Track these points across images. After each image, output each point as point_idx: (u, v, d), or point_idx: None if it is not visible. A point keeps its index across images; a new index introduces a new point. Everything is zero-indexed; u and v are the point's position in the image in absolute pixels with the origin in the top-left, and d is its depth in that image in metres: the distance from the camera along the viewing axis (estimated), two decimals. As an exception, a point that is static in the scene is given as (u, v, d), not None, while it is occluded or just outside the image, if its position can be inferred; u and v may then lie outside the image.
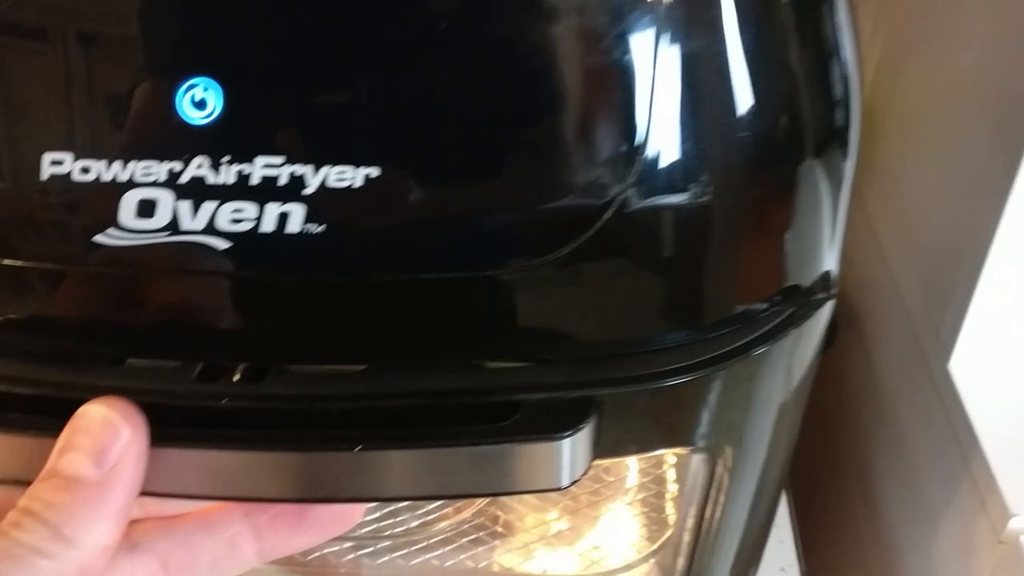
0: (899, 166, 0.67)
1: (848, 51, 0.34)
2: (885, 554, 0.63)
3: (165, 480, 0.29)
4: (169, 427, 0.29)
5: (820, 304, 0.37)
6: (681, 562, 0.42)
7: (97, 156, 0.29)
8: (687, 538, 0.41)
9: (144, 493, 0.28)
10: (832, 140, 0.35)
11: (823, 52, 0.34)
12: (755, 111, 0.32)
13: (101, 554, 0.26)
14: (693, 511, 0.39)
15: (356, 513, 0.32)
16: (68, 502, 0.26)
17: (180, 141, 0.29)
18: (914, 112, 0.66)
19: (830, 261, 0.37)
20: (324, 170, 0.29)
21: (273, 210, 0.29)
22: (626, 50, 0.29)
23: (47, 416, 0.28)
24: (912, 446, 0.62)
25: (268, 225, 0.29)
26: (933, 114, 0.64)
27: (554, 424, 0.31)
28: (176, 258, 0.30)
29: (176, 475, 0.29)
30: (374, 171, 0.29)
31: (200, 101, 0.28)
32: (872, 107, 0.70)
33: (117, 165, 0.29)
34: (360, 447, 0.29)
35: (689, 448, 0.37)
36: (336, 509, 0.31)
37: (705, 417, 0.36)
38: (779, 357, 0.37)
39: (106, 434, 0.27)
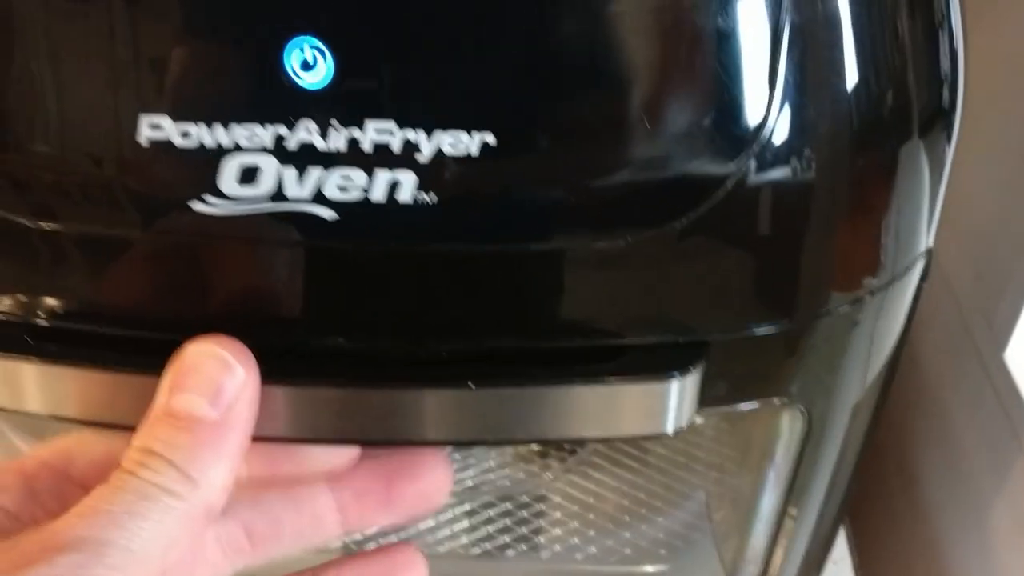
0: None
1: (958, 26, 0.33)
2: (933, 546, 0.62)
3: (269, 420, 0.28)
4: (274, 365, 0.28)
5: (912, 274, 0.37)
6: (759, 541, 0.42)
7: (197, 119, 0.27)
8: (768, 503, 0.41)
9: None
10: (937, 120, 0.34)
11: (934, 28, 0.33)
12: (871, 86, 0.31)
13: (222, 495, 0.26)
14: (778, 474, 0.39)
15: (442, 494, 0.31)
16: (191, 443, 0.26)
17: (287, 104, 0.27)
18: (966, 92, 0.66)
19: (927, 238, 0.36)
20: (438, 136, 0.27)
21: (384, 178, 0.28)
22: (751, 20, 0.28)
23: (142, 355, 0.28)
24: (960, 436, 0.61)
25: (378, 194, 0.28)
26: (986, 95, 0.63)
27: (662, 366, 0.31)
28: (280, 227, 0.28)
29: (283, 415, 0.28)
30: (490, 138, 0.27)
31: (308, 62, 0.27)
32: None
33: (219, 129, 0.27)
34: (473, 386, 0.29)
35: (784, 399, 0.36)
36: (424, 488, 0.31)
37: (800, 370, 0.36)
38: (868, 316, 0.36)
39: (221, 373, 0.26)
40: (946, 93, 0.34)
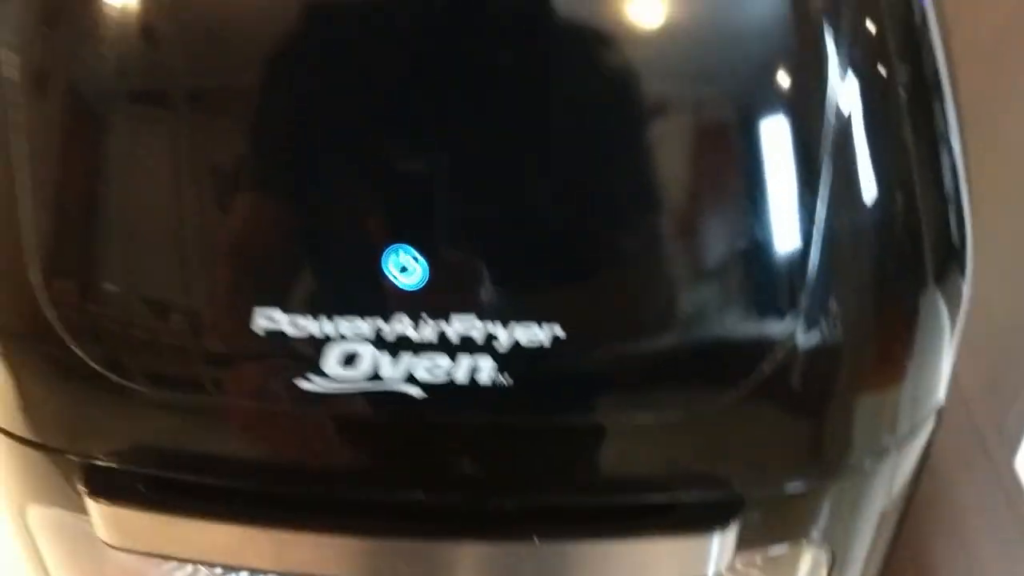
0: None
1: (962, 170, 0.37)
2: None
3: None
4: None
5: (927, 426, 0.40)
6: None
7: (306, 312, 0.32)
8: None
9: None
10: (951, 261, 0.38)
11: (941, 179, 0.37)
12: (888, 246, 0.35)
13: None
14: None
15: None
16: None
17: (385, 301, 0.31)
18: (976, 206, 0.69)
19: (942, 392, 0.40)
20: (514, 328, 0.32)
21: (466, 363, 0.32)
22: (784, 228, 0.32)
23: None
24: (973, 538, 0.64)
25: (461, 377, 0.32)
26: (993, 206, 0.67)
27: (706, 520, 0.35)
28: (373, 403, 0.32)
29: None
30: (559, 331, 0.32)
31: (405, 267, 0.31)
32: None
33: (324, 320, 0.32)
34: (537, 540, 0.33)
35: (812, 541, 0.40)
36: None
37: (827, 516, 0.39)
38: (885, 469, 0.39)
39: None
40: (956, 233, 0.37)
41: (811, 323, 0.33)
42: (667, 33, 0.31)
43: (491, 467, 0.34)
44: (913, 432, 0.39)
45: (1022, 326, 0.60)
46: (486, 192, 0.32)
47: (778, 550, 0.39)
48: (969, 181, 0.39)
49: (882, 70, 0.34)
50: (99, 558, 0.41)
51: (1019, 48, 0.62)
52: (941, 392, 0.40)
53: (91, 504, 0.35)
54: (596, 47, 0.31)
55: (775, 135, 0.32)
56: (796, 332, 0.33)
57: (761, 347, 0.32)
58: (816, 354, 0.34)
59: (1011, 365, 0.61)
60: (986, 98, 0.66)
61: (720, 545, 0.35)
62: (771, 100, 0.31)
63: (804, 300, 0.32)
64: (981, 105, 0.68)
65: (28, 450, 0.37)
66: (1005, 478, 0.60)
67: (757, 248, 0.32)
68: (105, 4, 0.31)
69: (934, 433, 0.41)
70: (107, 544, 0.36)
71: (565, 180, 0.31)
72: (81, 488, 0.35)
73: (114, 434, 0.35)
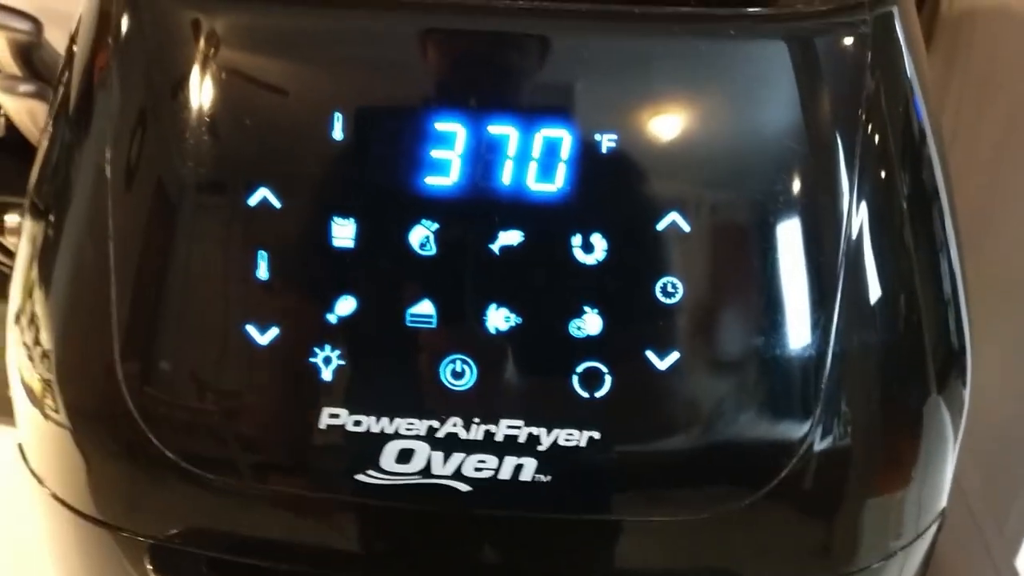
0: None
1: (961, 283, 0.40)
2: None
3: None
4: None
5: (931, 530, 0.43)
6: None
7: (368, 412, 0.35)
8: None
9: None
10: (953, 370, 0.41)
11: (942, 294, 0.40)
12: (894, 360, 0.38)
13: None
14: None
15: None
16: None
17: (439, 403, 0.35)
18: (977, 311, 0.73)
19: (945, 497, 0.43)
20: (555, 432, 0.35)
21: (511, 462, 0.35)
22: (801, 338, 0.36)
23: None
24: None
25: (505, 474, 0.35)
26: (992, 313, 0.70)
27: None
28: (424, 496, 0.35)
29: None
30: (596, 434, 0.35)
31: (458, 372, 0.35)
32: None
33: (384, 420, 0.35)
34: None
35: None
36: None
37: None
38: (891, 572, 0.42)
39: None
40: (956, 342, 0.41)
41: (826, 431, 0.36)
42: (699, 176, 0.35)
43: (527, 559, 0.37)
44: (919, 536, 0.42)
45: (1020, 425, 0.63)
46: (534, 309, 0.35)
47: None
48: (967, 287, 0.42)
49: (888, 182, 0.37)
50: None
51: (1015, 160, 0.67)
52: (944, 496, 0.43)
53: (157, 583, 0.38)
54: (626, 164, 0.34)
55: (797, 252, 0.35)
56: (813, 439, 0.36)
57: (780, 454, 0.36)
58: (829, 460, 0.37)
59: (1010, 463, 0.63)
60: (985, 207, 0.71)
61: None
62: (793, 234, 0.35)
63: (820, 409, 0.36)
64: (980, 214, 0.72)
65: (96, 529, 0.40)
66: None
67: (777, 359, 0.35)
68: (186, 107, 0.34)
69: (937, 534, 0.44)
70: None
71: (597, 299, 0.35)
72: (148, 567, 0.38)
73: (181, 517, 0.38)
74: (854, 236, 0.36)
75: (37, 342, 0.38)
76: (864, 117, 0.36)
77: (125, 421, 0.37)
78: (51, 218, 0.38)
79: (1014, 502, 0.62)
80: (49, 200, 0.38)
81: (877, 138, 0.36)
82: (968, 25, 0.77)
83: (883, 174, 0.37)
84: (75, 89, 0.38)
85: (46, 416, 0.39)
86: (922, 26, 0.76)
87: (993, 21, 0.72)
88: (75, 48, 0.38)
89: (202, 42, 0.35)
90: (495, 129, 0.34)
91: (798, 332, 0.35)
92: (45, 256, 0.38)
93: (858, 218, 0.36)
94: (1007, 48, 0.70)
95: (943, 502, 0.43)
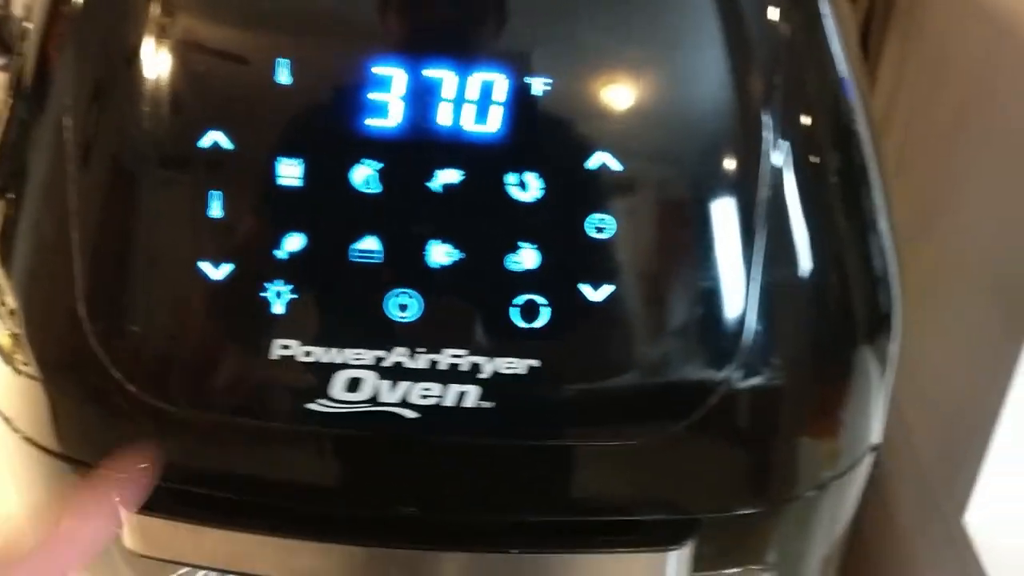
0: (912, 330, 0.76)
1: (889, 244, 0.43)
2: None
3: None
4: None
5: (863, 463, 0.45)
6: None
7: (317, 343, 0.37)
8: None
9: None
10: (881, 325, 0.43)
11: (870, 251, 0.42)
12: (821, 307, 0.40)
13: None
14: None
15: None
16: None
17: (385, 335, 0.37)
18: (927, 282, 0.75)
19: (877, 434, 0.45)
20: (496, 360, 0.37)
21: (454, 389, 0.37)
22: (725, 272, 0.38)
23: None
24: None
25: (449, 401, 0.37)
26: (944, 287, 0.72)
27: (664, 539, 0.40)
28: (373, 423, 0.37)
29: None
30: (535, 362, 0.37)
31: (404, 305, 0.37)
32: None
33: (333, 351, 0.37)
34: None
35: (760, 566, 0.44)
36: None
37: (774, 543, 0.44)
38: (829, 500, 0.44)
39: None
40: (884, 300, 0.43)
41: (749, 371, 0.38)
42: (628, 118, 0.37)
43: (473, 484, 0.39)
44: (851, 468, 0.44)
45: (970, 394, 0.65)
46: (473, 245, 0.37)
47: (730, 572, 0.43)
48: (899, 258, 0.44)
49: (812, 154, 0.40)
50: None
51: (967, 138, 0.69)
52: (875, 435, 0.45)
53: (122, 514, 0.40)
54: (558, 106, 0.36)
55: (720, 193, 0.37)
56: (734, 377, 0.38)
57: (704, 386, 0.38)
58: (754, 397, 0.39)
59: (959, 426, 0.65)
60: (942, 179, 0.73)
61: (677, 562, 0.39)
62: (714, 177, 0.37)
63: (741, 350, 0.38)
64: (936, 191, 0.74)
65: (66, 466, 0.42)
66: (955, 535, 0.65)
67: (701, 303, 0.38)
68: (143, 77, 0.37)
69: (875, 468, 0.46)
70: (133, 552, 0.40)
71: (533, 235, 0.37)
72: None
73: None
74: (773, 194, 0.38)
75: (2, 302, 0.40)
76: (782, 71, 0.38)
77: (91, 364, 0.39)
78: (12, 180, 0.40)
79: (962, 463, 0.64)
80: (10, 161, 0.40)
81: (795, 87, 0.39)
82: (921, 5, 0.79)
83: (805, 140, 0.39)
84: (33, 56, 0.40)
85: (17, 370, 0.41)
86: (879, 6, 0.79)
87: (945, 1, 0.75)
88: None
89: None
90: (431, 72, 0.36)
91: (720, 274, 0.37)
92: (8, 217, 0.40)
93: (777, 179, 0.38)
94: (958, 28, 0.72)
95: (873, 438, 0.45)
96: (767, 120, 0.38)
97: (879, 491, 0.75)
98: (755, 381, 0.39)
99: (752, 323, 0.38)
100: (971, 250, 0.67)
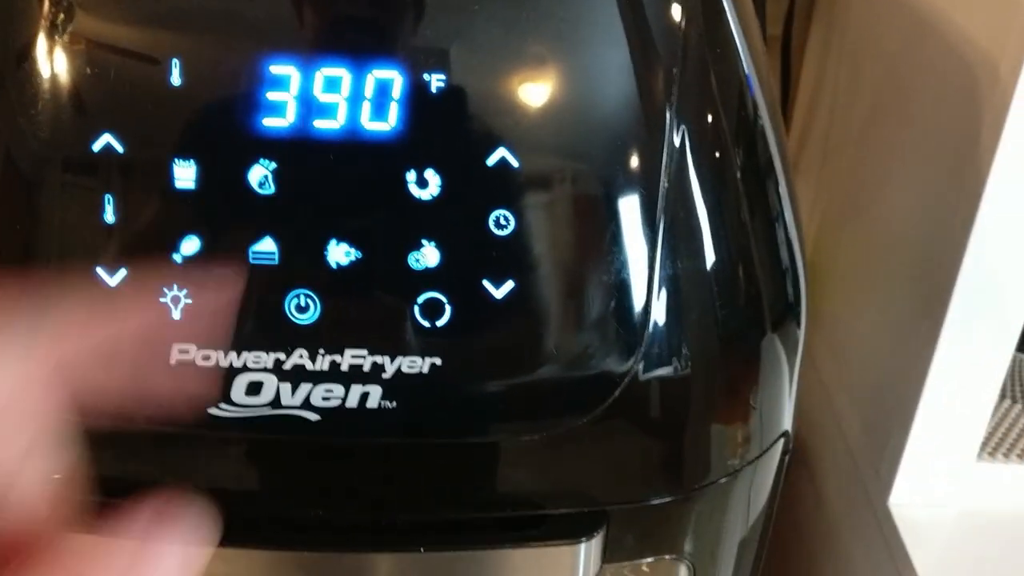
0: (840, 316, 0.77)
1: (795, 235, 0.43)
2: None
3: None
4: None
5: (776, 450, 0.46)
6: None
7: (215, 347, 0.36)
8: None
9: None
10: (787, 314, 0.44)
11: (775, 242, 0.43)
12: (727, 297, 0.40)
13: None
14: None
15: None
16: None
17: (285, 336, 0.36)
18: (852, 270, 0.77)
19: (787, 420, 0.46)
20: (398, 360, 0.37)
21: (357, 390, 0.37)
22: (628, 266, 0.38)
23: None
24: (854, 570, 0.69)
25: (352, 402, 0.37)
26: (868, 274, 0.74)
27: (574, 532, 0.40)
28: (275, 427, 0.37)
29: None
30: (437, 361, 0.37)
31: (302, 306, 0.36)
32: (815, 263, 0.81)
33: (232, 354, 0.36)
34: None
35: (674, 555, 0.45)
36: None
37: (688, 532, 0.44)
38: (741, 487, 0.45)
39: None
40: (791, 290, 0.44)
41: (654, 361, 0.38)
42: (528, 113, 0.37)
43: (380, 485, 0.39)
44: (761, 455, 0.44)
45: (893, 379, 0.66)
46: (373, 244, 0.37)
47: (645, 564, 0.43)
48: (803, 249, 0.45)
49: (714, 146, 0.40)
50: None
51: (886, 125, 0.70)
52: (786, 421, 0.45)
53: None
54: (456, 103, 0.36)
55: (619, 186, 0.37)
56: (639, 368, 0.38)
57: (608, 379, 0.38)
58: (661, 388, 0.39)
59: (884, 410, 0.67)
60: (864, 168, 0.74)
61: (587, 554, 0.40)
62: (616, 170, 0.37)
63: (645, 341, 0.38)
64: (857, 178, 0.76)
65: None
66: (881, 517, 0.66)
67: (603, 291, 0.38)
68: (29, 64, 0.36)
69: (785, 456, 0.47)
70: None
71: (434, 232, 0.37)
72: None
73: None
74: (674, 186, 0.38)
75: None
76: (681, 64, 0.38)
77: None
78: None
79: (887, 445, 0.66)
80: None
81: (695, 81, 0.39)
82: (842, -3, 0.80)
83: (708, 135, 0.39)
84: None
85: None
86: (802, -1, 0.79)
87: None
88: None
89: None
90: (328, 71, 0.36)
91: (623, 266, 0.38)
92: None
93: (679, 172, 0.38)
94: (876, 20, 0.73)
95: (784, 425, 0.45)
96: (669, 114, 0.38)
97: (810, 473, 0.76)
98: (661, 372, 0.39)
99: (655, 315, 0.38)
100: (893, 237, 0.69)
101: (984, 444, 0.64)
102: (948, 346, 0.58)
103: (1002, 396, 0.70)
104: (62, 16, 0.36)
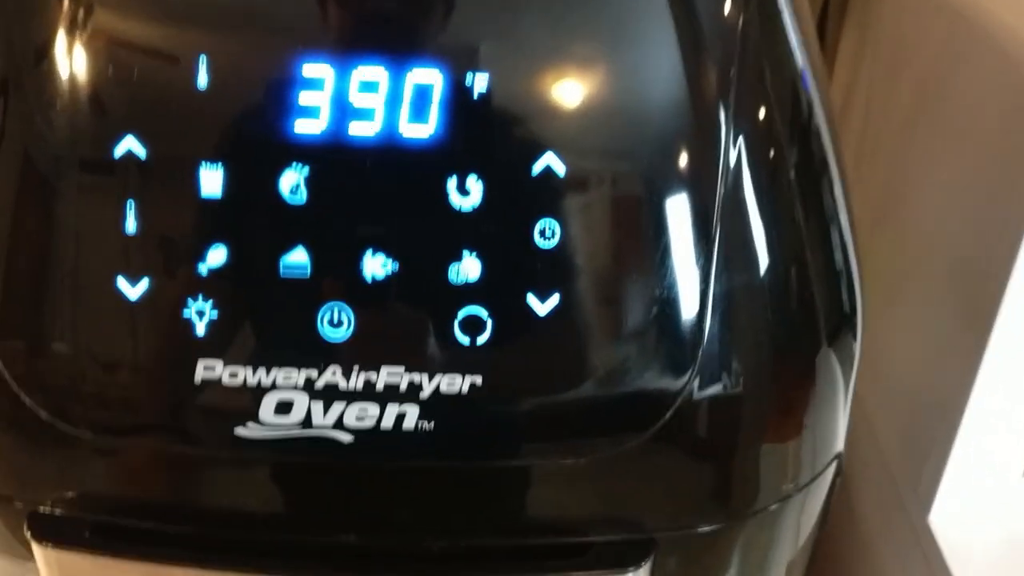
0: (877, 328, 0.75)
1: (851, 240, 0.41)
2: None
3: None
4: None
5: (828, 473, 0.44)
6: None
7: (243, 363, 0.34)
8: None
9: None
10: (843, 325, 0.41)
11: (831, 249, 0.40)
12: (783, 310, 0.38)
13: None
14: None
15: None
16: None
17: (317, 353, 0.34)
18: (886, 279, 0.74)
19: (841, 441, 0.44)
20: (437, 378, 0.35)
21: (392, 410, 0.35)
22: (682, 278, 0.36)
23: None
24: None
25: (387, 423, 0.35)
26: (904, 283, 0.71)
27: (621, 560, 0.37)
28: (305, 448, 0.35)
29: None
30: (478, 380, 0.35)
31: (336, 321, 0.34)
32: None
33: (261, 371, 0.34)
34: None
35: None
36: None
37: (734, 559, 0.42)
38: (790, 514, 0.43)
39: None
40: (846, 300, 0.41)
41: (709, 378, 0.36)
42: (576, 117, 0.35)
43: (415, 510, 0.37)
44: (814, 479, 0.42)
45: (933, 392, 0.64)
46: (411, 255, 0.35)
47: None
48: (859, 254, 0.43)
49: (771, 150, 0.38)
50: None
51: (924, 131, 0.68)
52: (839, 442, 0.43)
53: (37, 549, 0.37)
54: (500, 108, 0.34)
55: (674, 196, 0.35)
56: (694, 386, 0.36)
57: (660, 399, 0.36)
58: (714, 406, 0.37)
59: (923, 426, 0.64)
60: (900, 170, 0.72)
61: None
62: (669, 176, 0.35)
63: (701, 357, 0.36)
64: (893, 184, 0.73)
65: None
66: (920, 534, 0.64)
67: (656, 305, 0.36)
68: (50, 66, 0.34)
69: (836, 478, 0.45)
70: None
71: (475, 243, 0.35)
72: (28, 533, 0.37)
73: (61, 481, 0.37)
74: (732, 193, 0.36)
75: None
76: (738, 65, 0.36)
77: (1, 389, 0.36)
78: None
79: (926, 462, 0.63)
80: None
81: (752, 82, 0.37)
82: (878, -3, 0.78)
83: (765, 136, 0.37)
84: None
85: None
86: (836, -1, 0.77)
87: (900, -8, 0.74)
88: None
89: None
90: (365, 73, 0.33)
91: (676, 278, 0.35)
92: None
93: (736, 177, 0.36)
94: (915, 18, 0.71)
95: (837, 446, 0.43)
96: (725, 118, 0.35)
97: (845, 490, 0.74)
98: (715, 390, 0.37)
99: (711, 329, 0.36)
100: (931, 245, 0.66)
101: (1031, 462, 0.61)
102: (994, 359, 0.56)
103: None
104: (83, 12, 0.34)
